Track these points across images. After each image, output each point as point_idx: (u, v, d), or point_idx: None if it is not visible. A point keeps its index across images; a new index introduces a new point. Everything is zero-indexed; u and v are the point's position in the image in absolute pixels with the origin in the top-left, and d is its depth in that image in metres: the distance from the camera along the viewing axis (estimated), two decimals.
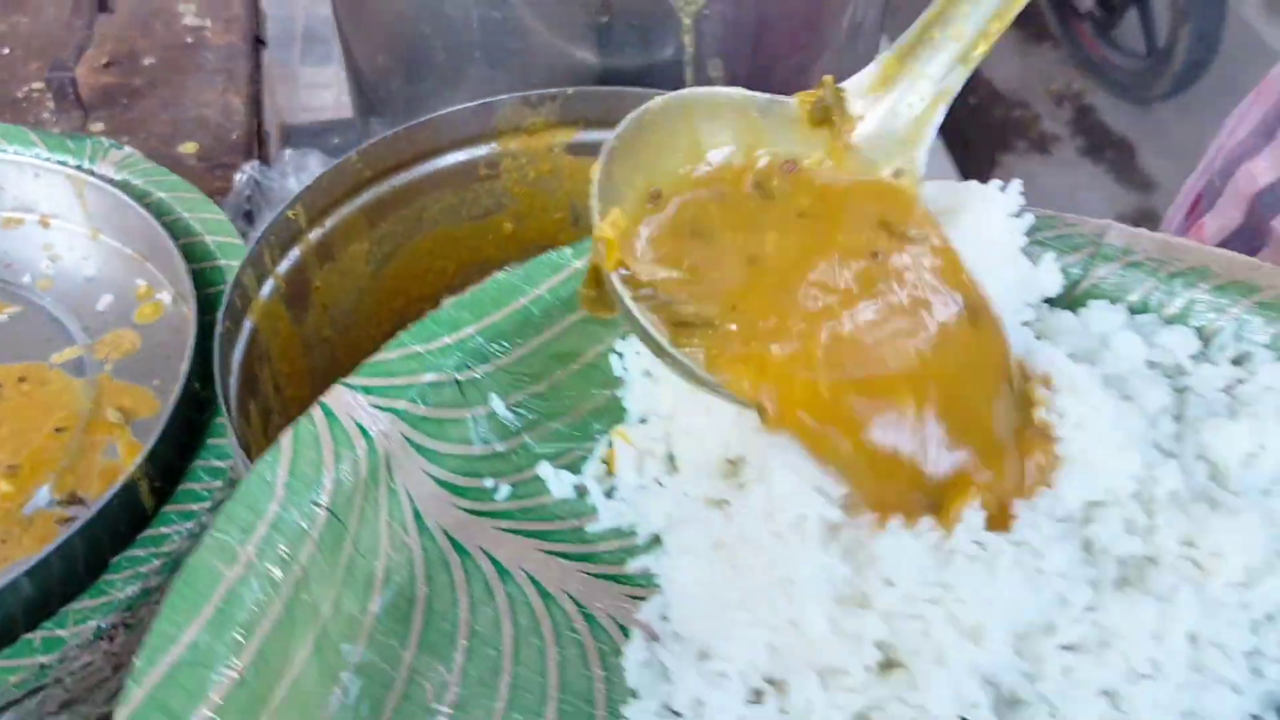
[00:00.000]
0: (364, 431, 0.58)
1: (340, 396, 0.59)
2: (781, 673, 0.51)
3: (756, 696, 0.52)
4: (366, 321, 0.92)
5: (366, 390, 0.60)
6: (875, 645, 0.50)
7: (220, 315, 0.76)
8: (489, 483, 0.62)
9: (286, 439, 0.57)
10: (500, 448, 0.64)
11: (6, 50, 1.29)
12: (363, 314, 0.91)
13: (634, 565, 0.59)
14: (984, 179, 0.65)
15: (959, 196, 0.66)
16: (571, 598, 0.58)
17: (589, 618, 0.57)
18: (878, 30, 1.15)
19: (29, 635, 0.70)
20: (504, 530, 0.60)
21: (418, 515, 0.60)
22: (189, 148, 1.18)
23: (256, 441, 0.77)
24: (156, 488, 0.76)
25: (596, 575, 0.59)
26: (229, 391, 0.75)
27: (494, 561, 0.59)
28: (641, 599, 0.57)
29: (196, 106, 1.22)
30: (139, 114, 1.21)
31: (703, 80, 0.92)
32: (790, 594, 0.51)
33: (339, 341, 0.90)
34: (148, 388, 0.89)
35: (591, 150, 0.83)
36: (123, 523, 0.74)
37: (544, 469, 0.63)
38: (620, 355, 0.67)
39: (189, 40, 1.32)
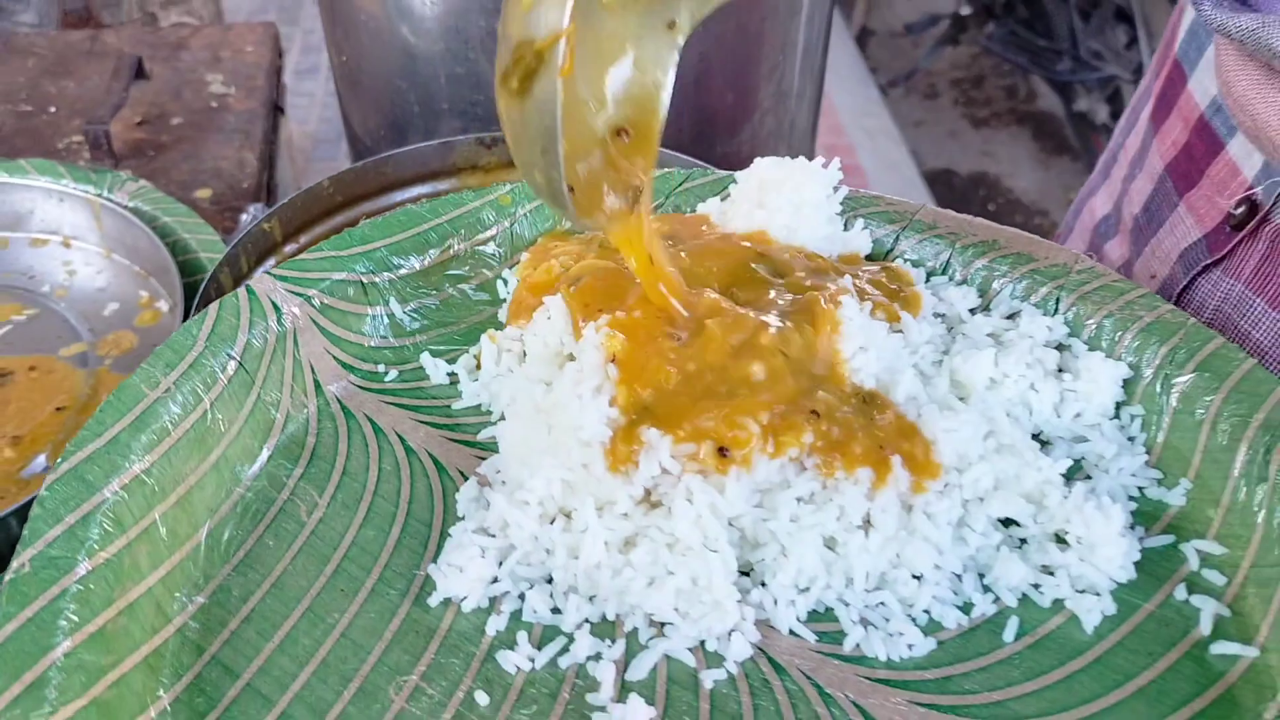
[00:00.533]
0: (277, 308, 0.73)
1: (263, 281, 0.74)
2: (571, 504, 0.64)
3: (551, 522, 0.65)
4: None
5: (284, 279, 0.75)
6: (642, 486, 0.63)
7: (195, 303, 0.90)
8: (381, 368, 0.77)
9: (213, 306, 0.72)
10: (394, 342, 0.78)
11: (53, 109, 1.47)
12: None
13: (484, 434, 0.72)
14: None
15: (791, 169, 0.80)
16: (430, 454, 0.71)
17: (440, 467, 0.70)
18: (803, 95, 1.30)
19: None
20: (386, 403, 0.74)
21: (317, 384, 0.74)
22: (203, 193, 1.33)
23: None
24: None
25: (455, 440, 0.72)
26: None
27: (373, 424, 0.73)
28: (484, 458, 0.71)
29: (214, 159, 1.37)
30: (162, 164, 1.36)
31: None
32: (582, 440, 0.64)
33: None
34: None
35: None
36: None
37: (425, 359, 0.77)
38: (505, 281, 0.81)
39: (214, 104, 1.50)
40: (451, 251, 0.80)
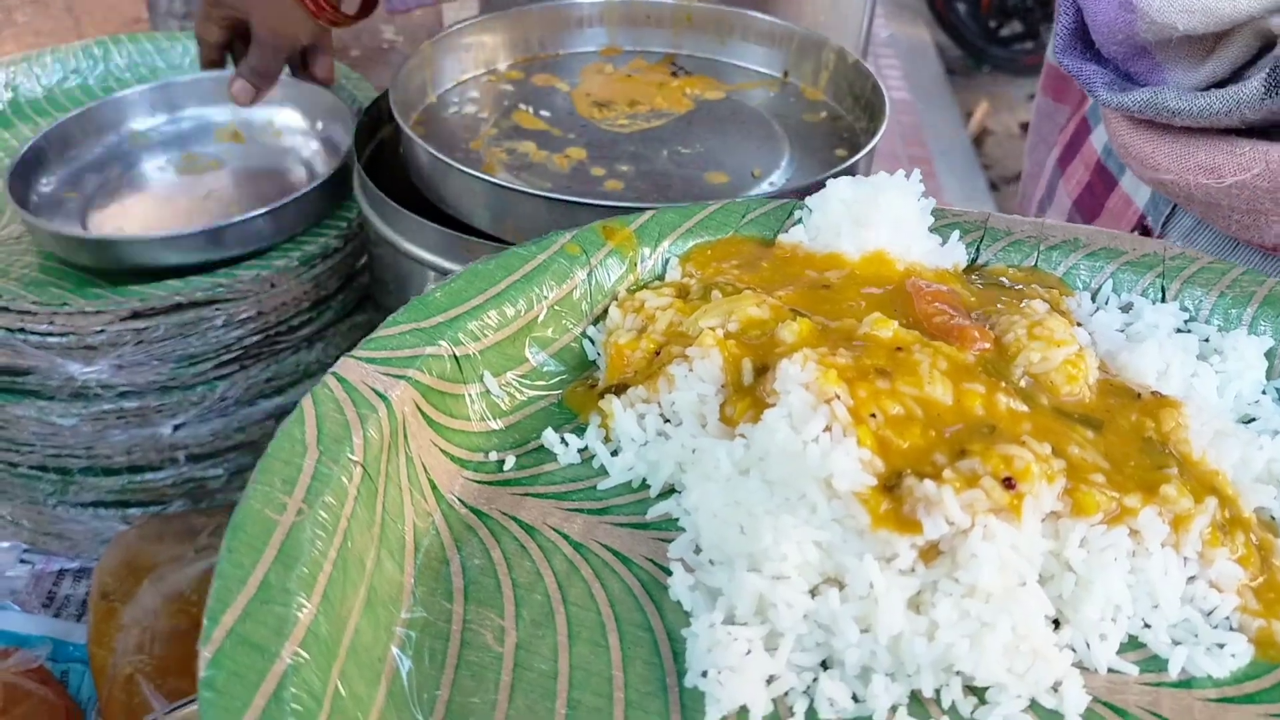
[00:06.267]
0: (381, 395, 0.58)
1: (351, 368, 0.59)
2: (834, 569, 0.54)
3: (815, 593, 0.54)
4: None
5: (374, 360, 0.60)
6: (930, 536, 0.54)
7: (357, 129, 1.09)
8: (493, 456, 0.63)
9: (306, 402, 0.56)
10: (497, 425, 0.64)
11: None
12: None
13: (653, 513, 0.60)
14: None
15: (876, 185, 0.74)
16: (602, 544, 0.58)
17: (624, 559, 0.58)
18: None
19: None
20: (520, 494, 0.61)
21: (433, 485, 0.59)
22: None
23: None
24: None
25: (620, 524, 0.60)
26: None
27: (517, 521, 0.59)
28: (667, 541, 0.58)
29: (379, 80, 1.50)
30: None
31: None
32: (835, 489, 0.54)
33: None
34: None
35: None
36: None
37: (549, 436, 0.64)
38: (591, 341, 0.70)
39: (384, 45, 1.98)
40: (533, 312, 0.67)
